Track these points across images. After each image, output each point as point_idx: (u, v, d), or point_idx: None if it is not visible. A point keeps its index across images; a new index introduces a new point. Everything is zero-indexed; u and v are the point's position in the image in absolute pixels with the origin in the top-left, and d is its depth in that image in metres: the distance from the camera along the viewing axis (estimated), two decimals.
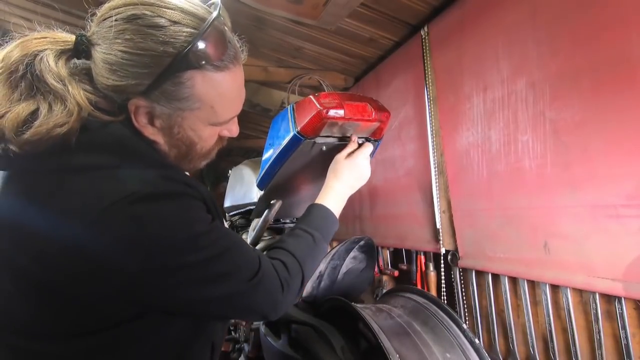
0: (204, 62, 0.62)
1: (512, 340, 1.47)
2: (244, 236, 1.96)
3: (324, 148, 1.03)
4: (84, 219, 0.57)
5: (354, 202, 2.56)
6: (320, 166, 1.06)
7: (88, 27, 0.65)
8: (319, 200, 0.94)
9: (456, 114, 1.66)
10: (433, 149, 1.80)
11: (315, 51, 2.39)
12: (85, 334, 0.62)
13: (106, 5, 0.63)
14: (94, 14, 0.65)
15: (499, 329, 1.55)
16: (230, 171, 2.30)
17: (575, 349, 1.23)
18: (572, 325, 1.24)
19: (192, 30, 0.61)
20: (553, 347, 1.31)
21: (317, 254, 0.86)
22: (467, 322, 1.69)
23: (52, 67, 0.61)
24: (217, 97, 0.67)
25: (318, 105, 0.92)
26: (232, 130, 0.77)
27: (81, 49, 0.63)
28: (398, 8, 1.80)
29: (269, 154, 1.08)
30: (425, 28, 1.82)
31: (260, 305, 0.72)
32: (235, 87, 0.70)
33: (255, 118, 3.86)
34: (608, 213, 1.10)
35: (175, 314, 0.69)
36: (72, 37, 0.65)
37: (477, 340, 0.91)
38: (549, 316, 1.31)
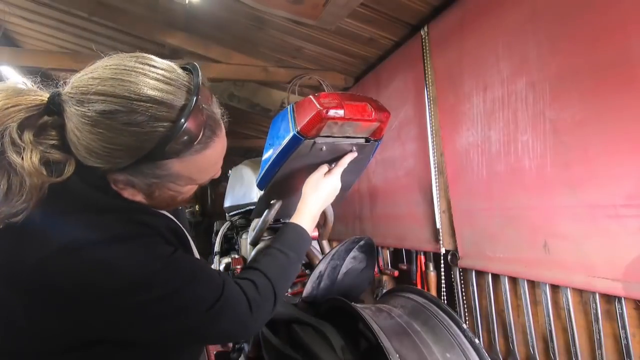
0: (179, 153, 0.64)
1: (512, 340, 1.47)
2: (244, 236, 1.96)
3: (324, 148, 1.03)
4: (33, 264, 0.59)
5: (354, 202, 2.57)
6: (320, 166, 1.06)
7: (61, 89, 0.65)
8: (295, 218, 0.96)
9: (456, 114, 1.66)
10: (433, 149, 1.80)
11: (315, 51, 2.39)
12: (48, 355, 0.64)
13: (77, 82, 0.62)
14: (66, 81, 0.65)
15: (499, 329, 1.55)
16: (230, 171, 2.30)
17: (575, 349, 1.23)
18: (572, 325, 1.24)
19: (166, 124, 0.61)
20: (553, 347, 1.31)
21: (291, 274, 0.88)
22: (467, 322, 1.69)
23: (15, 140, 0.60)
24: (196, 171, 0.69)
25: (318, 105, 0.92)
26: (216, 175, 0.79)
27: (52, 110, 0.64)
28: (398, 8, 1.80)
29: (269, 154, 1.08)
30: (425, 28, 1.82)
31: (226, 330, 0.73)
32: (214, 158, 0.71)
33: (255, 118, 3.86)
34: (608, 213, 1.10)
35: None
36: (45, 98, 0.64)
37: (477, 340, 0.91)
38: (549, 316, 1.31)
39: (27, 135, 0.61)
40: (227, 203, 2.24)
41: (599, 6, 1.12)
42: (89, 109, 0.60)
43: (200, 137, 0.64)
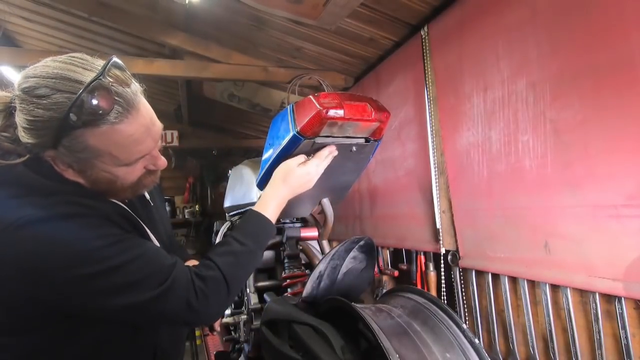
0: (87, 122, 0.69)
1: (512, 340, 1.47)
2: None
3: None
4: None
5: (354, 202, 2.57)
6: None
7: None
8: (259, 206, 0.96)
9: (456, 114, 1.65)
10: (433, 149, 1.80)
11: (315, 51, 2.39)
12: (13, 333, 0.72)
13: (20, 75, 0.74)
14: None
15: (499, 328, 1.55)
16: (230, 171, 2.30)
17: (575, 349, 1.23)
18: (572, 325, 1.24)
19: (72, 96, 0.68)
20: (553, 347, 1.31)
21: (247, 263, 0.89)
22: (467, 322, 1.69)
23: None
24: (113, 146, 0.73)
25: (318, 105, 0.92)
26: (157, 164, 0.82)
27: (12, 110, 0.74)
28: (398, 8, 1.80)
29: (269, 154, 1.08)
30: (425, 28, 1.81)
31: (174, 311, 0.76)
32: (130, 135, 0.74)
33: (255, 118, 3.86)
34: (608, 213, 1.10)
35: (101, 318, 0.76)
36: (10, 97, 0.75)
37: (477, 340, 0.91)
38: (549, 316, 1.31)
39: None
40: (227, 203, 2.24)
41: (599, 6, 1.12)
42: (19, 91, 0.71)
43: (107, 110, 0.69)
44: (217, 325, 1.66)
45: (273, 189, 0.98)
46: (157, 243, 0.87)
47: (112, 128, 0.71)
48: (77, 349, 0.76)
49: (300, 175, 0.99)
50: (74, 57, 0.74)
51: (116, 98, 0.71)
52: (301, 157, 1.02)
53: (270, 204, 0.96)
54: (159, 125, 0.80)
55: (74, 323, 0.74)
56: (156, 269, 0.75)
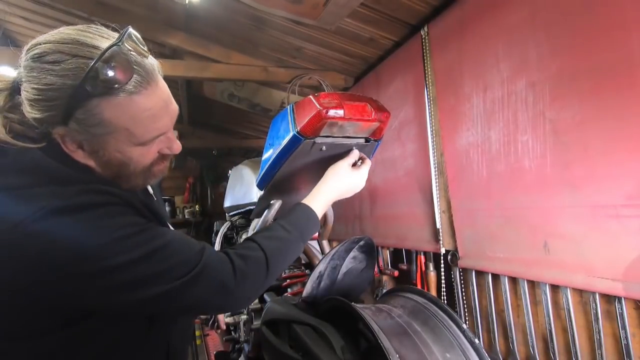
0: (105, 90, 0.64)
1: (512, 340, 1.47)
2: (244, 236, 1.96)
3: (324, 148, 1.03)
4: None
5: (354, 202, 2.56)
6: (320, 166, 1.06)
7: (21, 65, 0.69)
8: (308, 200, 0.96)
9: (456, 114, 1.66)
10: (433, 149, 1.80)
11: (315, 51, 2.39)
12: (30, 337, 0.66)
13: (25, 46, 0.68)
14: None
15: (499, 329, 1.55)
16: (230, 171, 2.30)
17: (575, 349, 1.23)
18: (572, 325, 1.24)
19: (88, 61, 0.63)
20: (553, 347, 1.31)
21: (289, 251, 0.87)
22: (467, 322, 1.69)
23: None
24: (130, 119, 0.68)
25: (318, 105, 0.92)
26: (172, 147, 0.77)
27: (16, 88, 0.68)
28: (398, 8, 1.80)
29: (269, 154, 1.08)
30: (425, 28, 1.82)
31: (206, 297, 0.73)
32: (148, 108, 0.69)
33: (255, 118, 3.86)
34: (608, 213, 1.10)
35: (119, 314, 0.71)
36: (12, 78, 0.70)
37: (477, 340, 0.91)
38: (549, 316, 1.31)
39: None
40: (227, 203, 2.25)
41: (598, 7, 1.12)
42: (26, 60, 0.66)
43: (125, 78, 0.65)
44: (222, 323, 1.65)
45: (324, 186, 0.98)
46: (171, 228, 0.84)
47: (130, 99, 0.66)
48: (94, 350, 0.72)
49: (351, 180, 1.00)
50: (89, 26, 0.69)
51: (135, 67, 0.66)
52: (352, 158, 1.02)
53: (318, 199, 0.96)
54: (175, 105, 0.76)
55: (91, 324, 0.69)
56: (185, 256, 0.71)
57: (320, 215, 0.95)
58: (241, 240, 1.98)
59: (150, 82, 0.69)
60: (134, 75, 0.66)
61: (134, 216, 0.70)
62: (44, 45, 0.65)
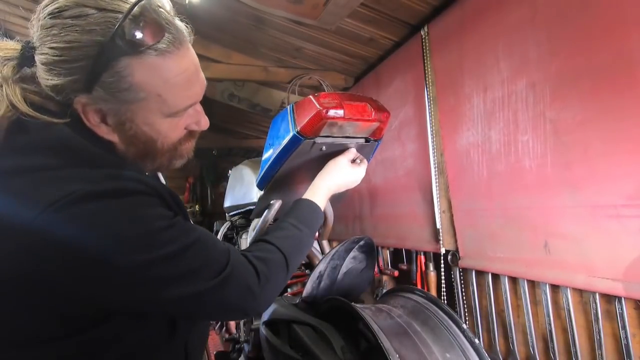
0: (137, 47, 0.58)
1: (512, 340, 1.47)
2: (244, 236, 1.96)
3: (324, 148, 1.03)
4: (23, 224, 0.54)
5: (354, 202, 2.57)
6: (320, 166, 1.06)
7: (31, 32, 0.62)
8: (309, 194, 0.95)
9: (456, 114, 1.66)
10: (433, 149, 1.80)
11: (315, 51, 2.39)
12: (51, 341, 0.59)
13: (38, 6, 0.61)
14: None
15: (499, 329, 1.55)
16: (230, 171, 2.30)
17: (575, 349, 1.23)
18: (572, 325, 1.24)
19: (118, 15, 0.56)
20: (553, 347, 1.31)
21: (304, 248, 0.86)
22: (467, 322, 1.69)
23: None
24: (162, 83, 0.62)
25: (318, 105, 0.92)
26: (201, 122, 0.72)
27: (27, 56, 0.61)
28: (398, 8, 1.80)
29: (269, 154, 1.08)
30: (425, 28, 1.82)
31: (234, 300, 0.68)
32: (181, 72, 0.64)
33: (255, 118, 3.86)
34: (608, 213, 1.10)
35: (143, 314, 0.66)
36: (19, 47, 0.63)
37: (477, 340, 0.91)
38: (549, 316, 1.31)
39: (6, 72, 0.60)
40: (227, 203, 2.25)
41: (599, 6, 1.12)
42: (43, 17, 0.58)
43: (157, 35, 0.59)
44: (233, 327, 1.64)
45: (323, 181, 0.98)
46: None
47: (163, 59, 0.60)
48: (115, 352, 0.65)
49: (350, 175, 1.01)
50: None
51: (166, 25, 0.60)
52: (352, 154, 1.03)
53: (318, 193, 0.95)
54: (202, 74, 0.70)
55: (111, 328, 0.63)
56: (215, 254, 0.67)
57: (322, 207, 0.95)
58: (241, 240, 1.98)
59: (182, 42, 0.63)
60: (166, 34, 0.60)
61: (164, 208, 0.64)
62: (63, 0, 0.57)
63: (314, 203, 0.93)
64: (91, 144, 0.63)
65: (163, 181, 0.89)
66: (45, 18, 0.58)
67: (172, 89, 0.64)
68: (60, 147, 0.61)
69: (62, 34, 0.56)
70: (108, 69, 0.58)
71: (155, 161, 0.71)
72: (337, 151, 1.05)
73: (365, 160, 1.06)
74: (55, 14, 0.57)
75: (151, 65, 0.60)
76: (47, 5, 0.59)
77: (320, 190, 0.97)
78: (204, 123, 0.73)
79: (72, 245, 0.55)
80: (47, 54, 0.58)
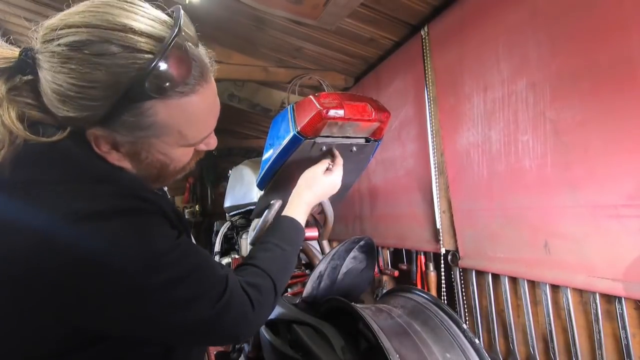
0: (163, 92, 0.56)
1: (512, 340, 1.47)
2: (244, 236, 1.96)
3: (324, 148, 1.03)
4: (15, 247, 0.53)
5: (354, 202, 2.56)
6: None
7: (32, 42, 0.59)
8: (289, 211, 0.95)
9: (456, 114, 1.65)
10: (433, 149, 1.80)
11: (315, 51, 2.39)
12: (50, 358, 0.58)
13: (46, 24, 0.57)
14: (37, 28, 0.59)
15: (499, 329, 1.55)
16: (230, 171, 2.30)
17: (576, 349, 1.23)
18: (572, 325, 1.24)
19: (146, 56, 0.54)
20: (553, 347, 1.31)
21: (289, 267, 0.85)
22: (467, 322, 1.69)
23: None
24: (185, 122, 0.61)
25: (318, 105, 0.92)
26: (210, 143, 0.72)
27: (25, 66, 0.58)
28: (398, 8, 1.80)
29: (269, 154, 1.08)
30: (426, 28, 1.81)
31: (231, 327, 0.67)
32: (204, 108, 0.63)
33: (255, 118, 3.86)
34: (608, 213, 1.10)
35: (139, 339, 0.63)
36: (16, 53, 0.59)
37: (477, 340, 0.91)
38: (549, 316, 1.31)
39: (1, 91, 0.56)
40: (227, 203, 2.25)
41: (599, 6, 1.12)
42: (58, 45, 0.54)
43: (186, 76, 0.57)
44: None
45: (300, 196, 0.97)
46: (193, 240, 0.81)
47: (188, 99, 0.58)
48: None
49: (325, 183, 1.00)
50: (123, 2, 0.57)
51: (193, 61, 0.58)
52: (325, 164, 1.02)
53: (298, 209, 0.95)
54: (218, 100, 0.69)
55: (112, 344, 0.60)
56: (215, 280, 0.65)
57: (303, 223, 0.94)
58: (241, 240, 1.98)
59: (206, 78, 0.61)
60: (192, 72, 0.58)
61: (168, 227, 0.62)
62: (84, 31, 0.53)
63: (295, 220, 0.92)
64: (96, 158, 0.61)
65: (168, 195, 0.89)
66: (62, 46, 0.54)
67: (193, 125, 0.63)
68: (63, 160, 0.59)
69: (82, 71, 0.53)
70: (130, 109, 0.56)
71: (165, 181, 0.71)
72: (338, 151, 1.05)
73: (338, 165, 1.03)
74: (75, 47, 0.53)
75: (176, 105, 0.59)
76: (60, 30, 0.54)
77: (300, 207, 0.96)
78: (213, 143, 0.73)
79: (72, 267, 0.53)
80: (62, 86, 0.54)
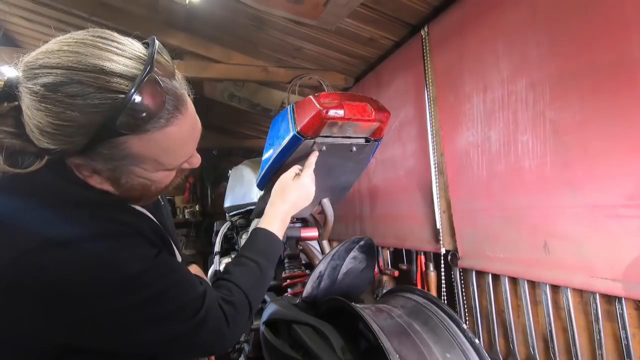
0: (135, 127, 0.58)
1: (512, 340, 1.47)
2: (244, 236, 1.96)
3: (324, 148, 1.03)
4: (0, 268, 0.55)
5: (354, 202, 2.57)
6: (320, 166, 1.06)
7: (16, 72, 0.60)
8: (263, 223, 0.93)
9: (456, 114, 1.66)
10: (433, 149, 1.80)
11: (315, 51, 2.39)
12: None
13: (25, 61, 0.59)
14: (19, 60, 0.61)
15: (499, 329, 1.55)
16: (230, 171, 2.30)
17: (576, 349, 1.23)
18: (572, 325, 1.24)
19: (119, 96, 0.55)
20: (553, 347, 1.31)
21: (264, 282, 0.86)
22: (467, 322, 1.69)
23: None
24: (161, 152, 0.63)
25: (318, 106, 0.92)
26: (192, 162, 0.73)
27: (9, 96, 0.60)
28: (398, 8, 1.80)
29: (269, 154, 1.08)
30: (426, 28, 1.82)
31: (206, 342, 0.71)
32: (180, 138, 0.65)
33: (255, 118, 3.86)
34: (608, 213, 1.10)
35: (120, 352, 0.66)
36: (2, 82, 0.61)
37: (477, 340, 0.91)
38: (549, 316, 1.31)
39: None
40: (227, 203, 2.24)
41: (599, 7, 1.12)
42: (35, 84, 0.55)
43: (159, 111, 0.58)
44: None
45: (273, 207, 0.96)
46: (179, 257, 0.82)
47: (163, 132, 0.60)
48: None
49: (297, 189, 0.98)
50: (97, 38, 0.58)
51: (167, 95, 0.60)
52: (295, 169, 1.01)
53: (273, 222, 0.93)
54: (199, 123, 0.70)
55: (86, 358, 0.64)
56: (191, 297, 0.68)
57: (280, 233, 0.93)
58: (241, 240, 1.98)
59: (181, 110, 0.63)
60: (165, 106, 0.59)
61: (145, 247, 0.65)
62: (58, 72, 0.55)
63: (269, 232, 0.91)
64: (72, 183, 0.63)
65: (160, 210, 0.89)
66: (38, 86, 0.55)
67: (169, 154, 0.65)
68: (42, 187, 0.61)
69: (57, 110, 0.55)
70: (105, 144, 0.58)
71: (148, 200, 0.73)
72: (337, 151, 1.05)
73: (307, 168, 1.00)
74: (50, 88, 0.55)
75: (150, 139, 0.60)
76: (39, 71, 0.56)
77: (273, 217, 0.94)
78: (195, 162, 0.73)
79: (48, 290, 0.56)
80: (40, 122, 0.57)
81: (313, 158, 1.03)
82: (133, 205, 0.72)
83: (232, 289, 0.78)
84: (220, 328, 0.71)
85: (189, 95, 0.68)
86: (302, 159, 1.03)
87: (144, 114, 0.57)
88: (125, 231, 0.63)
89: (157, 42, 0.61)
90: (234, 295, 0.77)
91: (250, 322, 0.83)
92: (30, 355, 0.60)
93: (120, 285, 0.59)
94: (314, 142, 0.99)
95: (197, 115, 0.70)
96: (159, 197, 0.89)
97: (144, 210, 0.74)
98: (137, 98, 0.56)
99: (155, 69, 0.58)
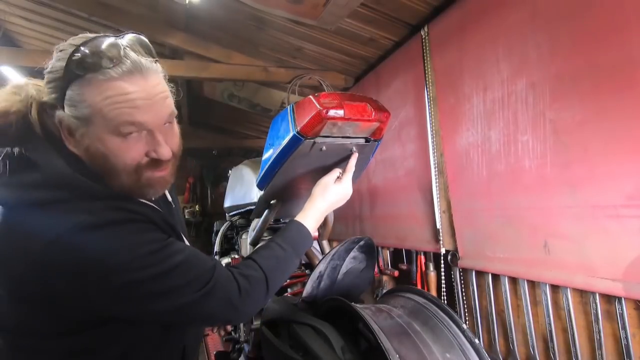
0: (85, 72, 0.69)
1: (512, 340, 1.47)
2: (244, 236, 1.96)
3: (324, 148, 1.03)
4: (33, 251, 0.66)
5: (354, 202, 2.57)
6: (320, 166, 1.06)
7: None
8: (300, 217, 1.00)
9: (456, 114, 1.66)
10: (433, 149, 1.80)
11: (315, 51, 2.39)
12: (59, 337, 0.73)
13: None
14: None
15: (499, 329, 1.55)
16: (230, 171, 2.30)
17: (576, 349, 1.23)
18: (572, 325, 1.24)
19: (79, 46, 0.70)
20: (553, 347, 1.31)
21: (287, 268, 0.92)
22: (467, 322, 1.69)
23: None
24: (105, 100, 0.70)
25: (318, 106, 0.92)
26: (158, 151, 0.76)
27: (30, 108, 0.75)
28: (398, 8, 1.80)
29: (269, 154, 1.08)
30: (426, 28, 1.82)
31: (217, 310, 0.79)
32: (126, 93, 0.71)
33: (255, 118, 3.86)
34: (608, 213, 1.10)
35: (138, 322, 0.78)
36: None
37: (477, 340, 0.91)
38: (549, 316, 1.31)
39: (41, 95, 0.76)
40: (227, 203, 2.24)
41: (598, 7, 1.12)
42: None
43: (108, 63, 0.69)
44: (229, 326, 1.70)
45: (313, 203, 1.02)
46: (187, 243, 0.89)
47: (108, 81, 0.70)
48: (114, 350, 0.78)
49: (337, 192, 1.04)
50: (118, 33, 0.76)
51: (123, 57, 0.71)
52: (336, 172, 1.06)
53: (309, 217, 1.00)
54: (168, 108, 0.76)
55: (112, 326, 0.75)
56: (199, 272, 0.77)
57: (313, 230, 0.99)
58: (241, 240, 1.98)
59: (134, 72, 0.71)
60: (120, 64, 0.70)
61: (155, 232, 0.76)
62: (66, 42, 0.73)
63: (304, 227, 0.98)
64: (86, 178, 0.73)
65: (169, 197, 0.98)
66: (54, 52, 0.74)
67: (113, 106, 0.71)
68: (63, 183, 0.72)
69: (52, 63, 0.73)
70: (71, 87, 0.71)
71: (117, 179, 0.76)
72: (338, 151, 1.05)
73: (348, 173, 1.06)
74: (56, 50, 0.74)
75: (98, 84, 0.70)
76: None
77: (311, 213, 1.01)
78: (162, 152, 0.76)
79: (78, 269, 0.67)
80: (46, 77, 0.74)
81: (353, 161, 1.07)
82: (143, 200, 0.81)
83: (251, 265, 0.85)
84: (230, 298, 0.79)
85: (172, 93, 0.79)
86: (302, 159, 1.03)
87: (94, 60, 0.69)
88: (137, 218, 0.74)
89: (142, 36, 0.76)
90: (251, 270, 0.84)
91: (266, 302, 0.90)
92: (62, 324, 0.72)
93: (136, 261, 0.70)
94: (314, 142, 0.99)
95: (167, 102, 0.77)
96: (170, 198, 0.97)
97: (155, 205, 0.82)
98: (91, 47, 0.69)
99: (123, 39, 0.72)
